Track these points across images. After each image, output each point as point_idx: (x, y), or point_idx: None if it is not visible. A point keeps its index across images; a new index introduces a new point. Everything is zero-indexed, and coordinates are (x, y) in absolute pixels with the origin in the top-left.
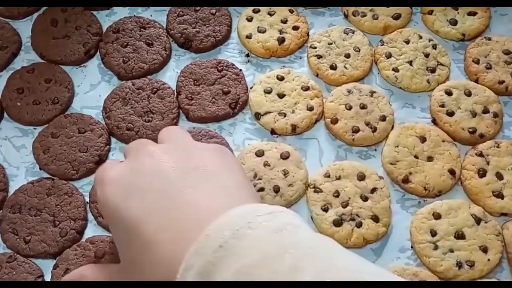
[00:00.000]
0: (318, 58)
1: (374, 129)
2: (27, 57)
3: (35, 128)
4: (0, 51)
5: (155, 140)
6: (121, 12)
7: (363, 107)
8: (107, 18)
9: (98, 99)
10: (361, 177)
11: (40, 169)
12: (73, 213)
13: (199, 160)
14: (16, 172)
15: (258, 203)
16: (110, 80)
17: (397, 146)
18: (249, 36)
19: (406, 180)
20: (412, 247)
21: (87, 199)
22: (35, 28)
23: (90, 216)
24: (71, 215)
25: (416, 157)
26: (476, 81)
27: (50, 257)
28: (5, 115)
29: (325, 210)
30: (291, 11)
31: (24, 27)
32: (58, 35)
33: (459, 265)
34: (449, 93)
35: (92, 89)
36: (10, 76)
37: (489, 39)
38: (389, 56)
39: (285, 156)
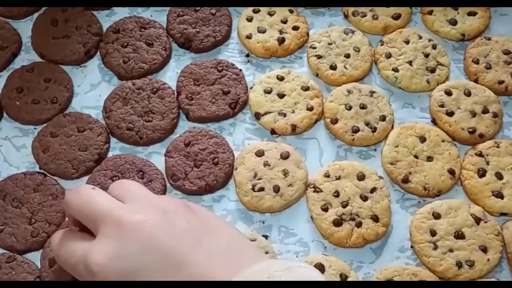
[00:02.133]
0: (318, 58)
1: (374, 129)
2: (27, 57)
3: (35, 128)
4: (0, 51)
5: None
6: (121, 12)
7: (363, 107)
8: (107, 18)
9: (98, 99)
10: (361, 177)
11: (40, 168)
12: (51, 216)
13: (186, 222)
14: (16, 172)
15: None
16: (110, 80)
17: (397, 146)
18: (249, 36)
19: (405, 180)
20: (411, 247)
21: None
22: (36, 28)
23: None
24: (48, 218)
25: (416, 157)
26: (476, 81)
27: (15, 252)
28: (5, 114)
29: (325, 210)
30: (291, 11)
31: (25, 27)
32: (58, 35)
33: (459, 265)
34: (448, 93)
35: (92, 89)
36: (10, 75)
37: (489, 39)
38: (389, 56)
39: (285, 156)
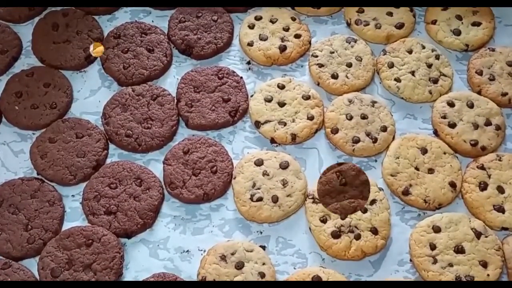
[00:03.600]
0: (320, 67)
1: (375, 140)
2: (27, 61)
3: (33, 133)
4: (0, 55)
5: None
6: (122, 17)
7: (364, 117)
8: (108, 23)
9: (97, 104)
10: None
11: (38, 174)
12: (47, 223)
13: None
14: (14, 178)
15: None
16: (110, 86)
17: (398, 158)
18: (250, 44)
19: (406, 192)
20: (411, 260)
21: (68, 209)
22: (36, 32)
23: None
24: (45, 225)
25: (416, 169)
26: (479, 92)
27: (11, 259)
28: (4, 119)
29: (324, 221)
30: (293, 19)
31: (25, 31)
32: (58, 40)
33: (458, 279)
34: (451, 104)
35: (92, 94)
36: (9, 79)
37: (493, 50)
38: (391, 66)
39: (284, 166)
